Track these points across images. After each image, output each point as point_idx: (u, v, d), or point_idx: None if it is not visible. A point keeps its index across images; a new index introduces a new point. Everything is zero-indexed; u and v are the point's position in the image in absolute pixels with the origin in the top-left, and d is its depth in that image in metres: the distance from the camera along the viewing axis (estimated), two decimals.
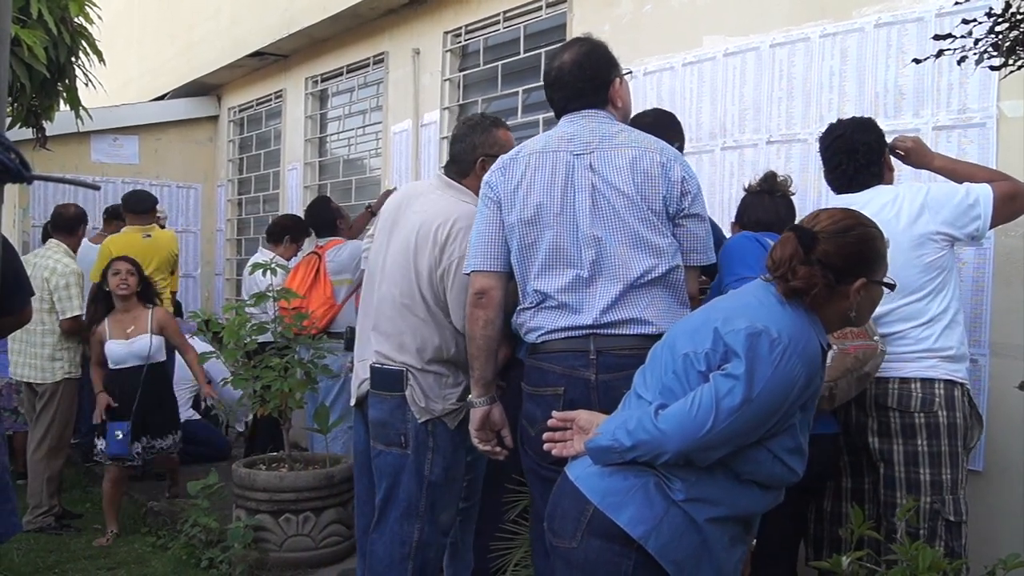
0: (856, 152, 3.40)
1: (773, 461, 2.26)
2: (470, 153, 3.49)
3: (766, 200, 3.59)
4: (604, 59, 3.04)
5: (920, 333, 3.23)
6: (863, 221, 2.37)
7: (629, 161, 2.82)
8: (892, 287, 2.39)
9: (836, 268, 2.28)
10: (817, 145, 4.03)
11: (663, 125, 3.57)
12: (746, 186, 3.71)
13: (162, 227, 7.95)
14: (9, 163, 1.41)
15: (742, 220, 3.62)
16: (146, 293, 5.79)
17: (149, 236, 6.90)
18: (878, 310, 3.22)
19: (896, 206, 3.26)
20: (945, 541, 3.18)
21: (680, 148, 3.63)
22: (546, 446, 2.51)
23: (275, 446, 5.75)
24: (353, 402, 3.66)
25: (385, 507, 3.44)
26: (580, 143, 2.90)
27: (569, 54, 3.03)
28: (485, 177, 3.06)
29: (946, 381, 3.22)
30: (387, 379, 3.41)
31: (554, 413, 2.56)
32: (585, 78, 2.99)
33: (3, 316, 3.56)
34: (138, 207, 6.98)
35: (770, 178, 3.63)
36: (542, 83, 5.54)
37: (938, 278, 3.22)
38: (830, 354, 3.16)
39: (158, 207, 7.89)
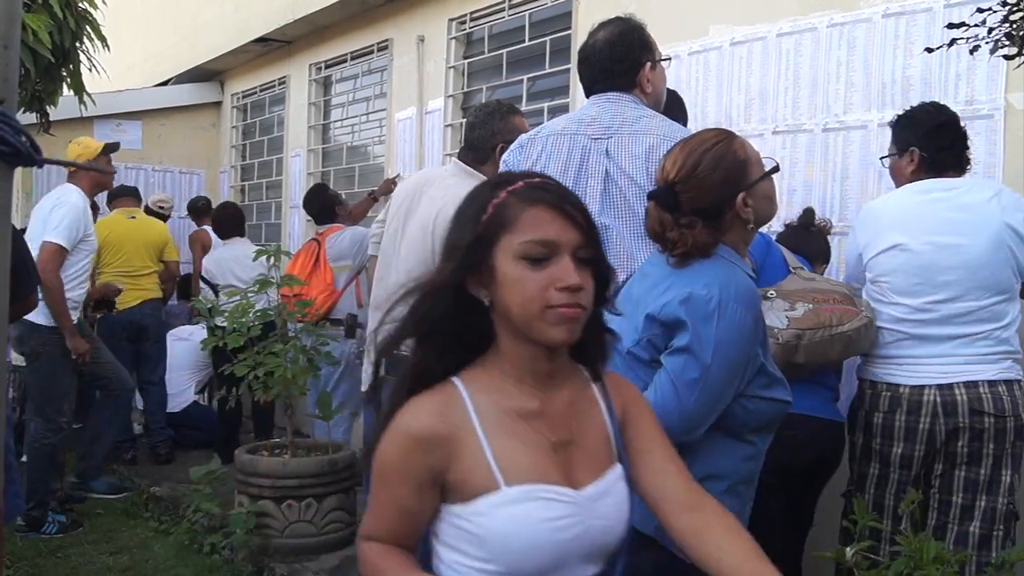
0: (965, 135, 3.33)
1: (759, 403, 2.19)
2: (488, 140, 3.50)
3: (800, 233, 3.71)
4: (638, 41, 3.01)
5: (1002, 334, 3.14)
6: (704, 145, 2.24)
7: (646, 149, 2.79)
8: (776, 170, 2.31)
9: (711, 206, 2.19)
10: (824, 136, 4.05)
11: (667, 103, 3.57)
12: (786, 222, 3.81)
13: (167, 217, 8.06)
14: (21, 146, 1.41)
15: None
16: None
17: (133, 218, 7.19)
18: (961, 306, 3.13)
19: (1001, 201, 3.15)
20: (1013, 541, 3.13)
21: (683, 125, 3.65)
22: None
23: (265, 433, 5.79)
24: (366, 388, 3.65)
25: None
26: (600, 127, 2.88)
27: (604, 32, 3.02)
28: (503, 155, 3.07)
29: (1020, 382, 3.17)
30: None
31: None
32: (615, 58, 2.96)
33: (10, 302, 3.54)
34: (124, 191, 7.41)
35: (808, 213, 3.73)
36: (547, 71, 5.59)
37: (1019, 281, 3.17)
38: (802, 310, 3.16)
39: (164, 195, 8.11)
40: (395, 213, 3.61)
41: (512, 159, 3.01)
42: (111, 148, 5.83)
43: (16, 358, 5.74)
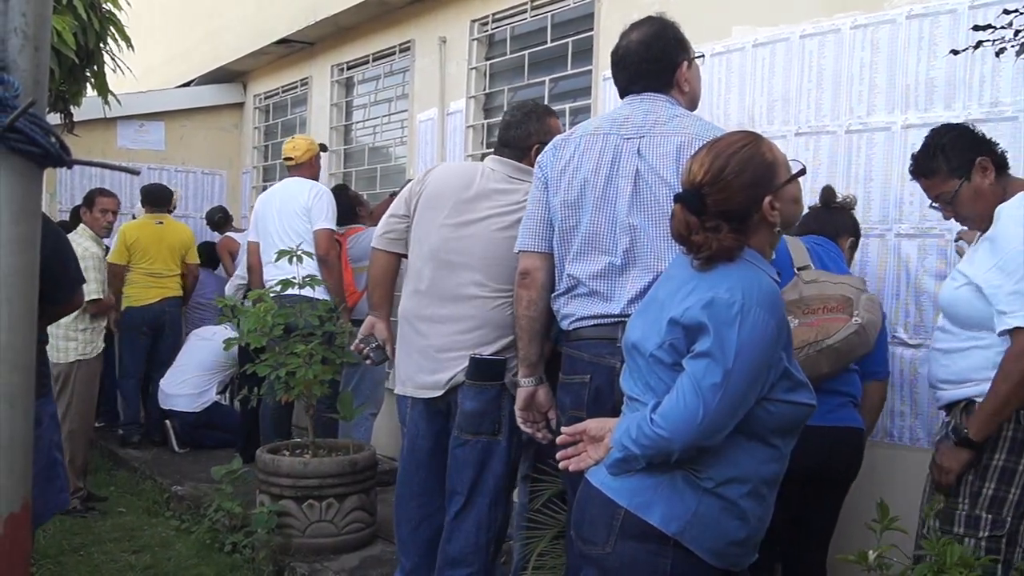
0: None
1: (782, 406, 2.19)
2: (525, 140, 3.53)
3: (820, 213, 3.67)
4: (673, 40, 3.01)
5: None
6: (732, 147, 2.23)
7: (676, 148, 2.78)
8: (803, 173, 2.29)
9: (738, 209, 2.19)
10: (847, 138, 4.03)
11: None
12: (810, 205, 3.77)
13: (173, 208, 8.16)
14: (50, 148, 1.43)
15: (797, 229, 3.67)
16: None
17: (161, 223, 7.61)
18: None
19: None
20: None
21: None
22: (561, 464, 2.46)
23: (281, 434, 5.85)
24: (432, 395, 3.57)
25: (472, 495, 3.47)
26: (632, 127, 2.88)
27: (637, 33, 3.00)
28: (539, 157, 3.08)
29: None
30: (489, 369, 3.41)
31: (563, 428, 2.50)
32: (651, 59, 2.96)
33: (54, 304, 3.53)
34: (156, 200, 7.71)
35: (825, 191, 3.69)
36: (569, 72, 5.59)
37: None
38: (791, 326, 3.13)
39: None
40: (434, 210, 3.55)
41: (546, 160, 3.02)
42: (323, 148, 6.53)
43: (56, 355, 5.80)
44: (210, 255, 8.43)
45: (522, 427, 3.20)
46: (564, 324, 2.96)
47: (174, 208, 8.29)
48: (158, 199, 7.71)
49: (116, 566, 4.95)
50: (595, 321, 2.86)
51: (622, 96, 3.04)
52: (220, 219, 8.76)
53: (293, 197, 5.80)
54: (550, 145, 3.05)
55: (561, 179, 2.93)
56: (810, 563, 3.49)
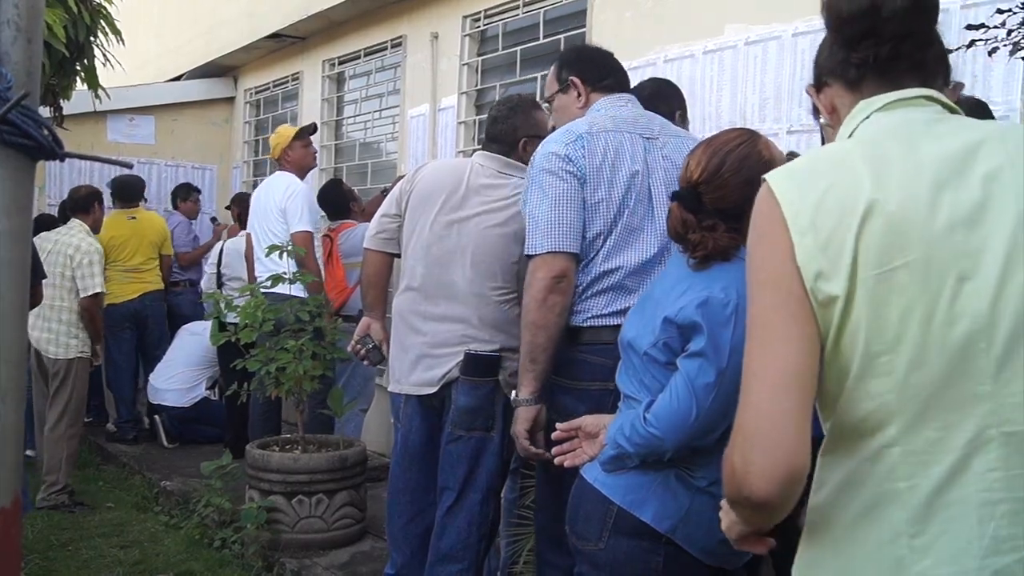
0: None
1: None
2: (512, 134, 3.52)
3: None
4: None
5: None
6: (729, 145, 2.22)
7: None
8: None
9: (734, 207, 2.15)
10: None
11: (665, 95, 3.54)
12: None
13: (145, 199, 8.18)
14: (43, 140, 1.42)
15: None
16: None
17: (134, 218, 7.52)
18: None
19: None
20: None
21: (683, 115, 3.67)
22: (556, 460, 2.43)
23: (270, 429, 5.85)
24: (427, 391, 3.53)
25: (464, 490, 3.44)
26: (646, 128, 2.90)
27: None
28: (560, 151, 2.84)
29: None
30: (484, 365, 3.39)
31: (557, 425, 2.46)
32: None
33: None
34: (127, 195, 7.57)
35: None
36: None
37: None
38: None
39: None
40: (426, 208, 3.53)
41: (577, 155, 2.82)
42: (306, 131, 6.07)
43: (34, 336, 5.77)
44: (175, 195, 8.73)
45: (529, 449, 2.93)
46: (577, 320, 2.86)
47: (146, 200, 8.26)
48: (130, 194, 7.55)
49: (104, 561, 4.93)
50: (618, 319, 2.71)
51: (594, 81, 3.09)
52: None
53: (271, 195, 5.71)
54: (570, 138, 2.86)
55: (601, 173, 2.81)
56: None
